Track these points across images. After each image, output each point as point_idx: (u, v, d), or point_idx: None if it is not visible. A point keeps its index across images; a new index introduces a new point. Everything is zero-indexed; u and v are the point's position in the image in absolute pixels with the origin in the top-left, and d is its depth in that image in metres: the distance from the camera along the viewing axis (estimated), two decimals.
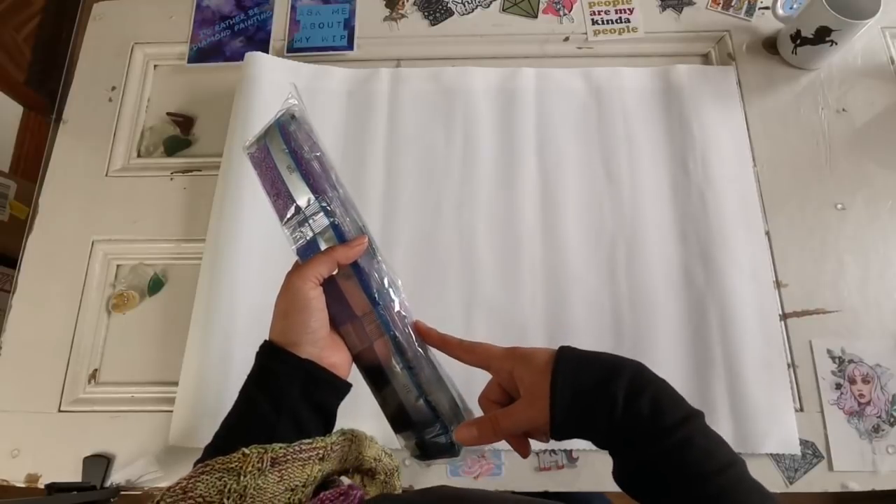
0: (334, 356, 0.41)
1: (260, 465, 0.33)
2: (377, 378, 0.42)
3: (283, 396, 0.38)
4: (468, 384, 0.44)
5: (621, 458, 0.37)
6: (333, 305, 0.41)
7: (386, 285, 0.42)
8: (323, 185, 0.41)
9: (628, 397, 0.35)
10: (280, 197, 0.41)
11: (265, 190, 0.42)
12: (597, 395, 0.36)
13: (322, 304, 0.40)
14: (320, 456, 0.36)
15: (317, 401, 0.39)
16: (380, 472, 0.43)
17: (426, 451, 0.42)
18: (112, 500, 0.58)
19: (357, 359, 0.43)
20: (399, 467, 0.43)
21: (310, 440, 0.36)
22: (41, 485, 0.59)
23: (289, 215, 0.41)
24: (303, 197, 0.41)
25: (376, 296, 0.41)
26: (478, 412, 0.43)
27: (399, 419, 0.42)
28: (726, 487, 0.33)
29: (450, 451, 0.42)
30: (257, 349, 0.40)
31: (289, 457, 0.34)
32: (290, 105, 0.42)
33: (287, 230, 0.42)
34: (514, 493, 0.61)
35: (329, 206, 0.41)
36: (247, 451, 0.33)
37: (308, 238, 0.41)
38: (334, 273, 0.41)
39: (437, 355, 0.44)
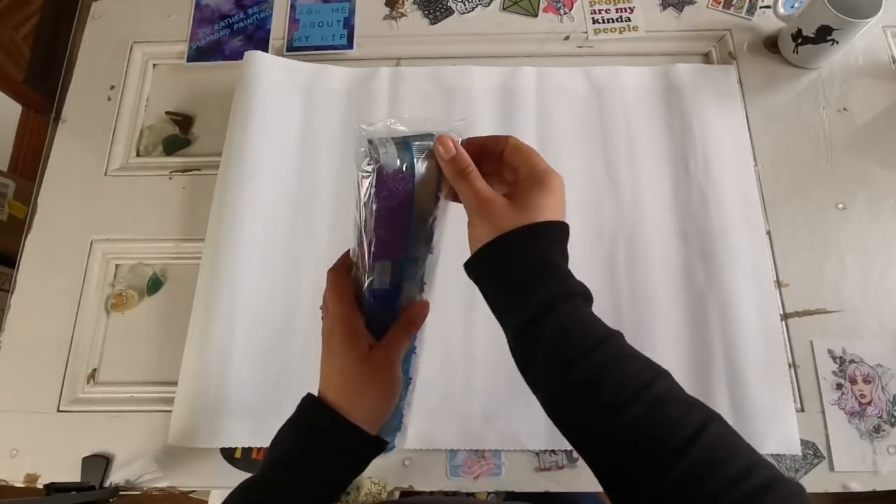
0: None
1: None
2: None
3: (351, 474, 0.40)
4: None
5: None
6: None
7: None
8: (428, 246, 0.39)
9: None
10: (389, 233, 0.36)
11: (372, 212, 0.35)
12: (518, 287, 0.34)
13: None
14: None
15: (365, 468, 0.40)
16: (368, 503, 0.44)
17: None
18: (111, 500, 0.58)
19: None
20: (386, 485, 0.43)
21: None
22: (40, 485, 0.59)
23: (389, 258, 0.37)
24: (417, 249, 0.38)
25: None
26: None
27: None
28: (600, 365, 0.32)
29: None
30: (322, 411, 0.39)
31: None
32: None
33: (375, 268, 0.37)
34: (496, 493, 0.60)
35: (421, 259, 0.39)
36: None
37: (395, 285, 0.39)
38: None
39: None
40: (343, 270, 0.40)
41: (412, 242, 0.37)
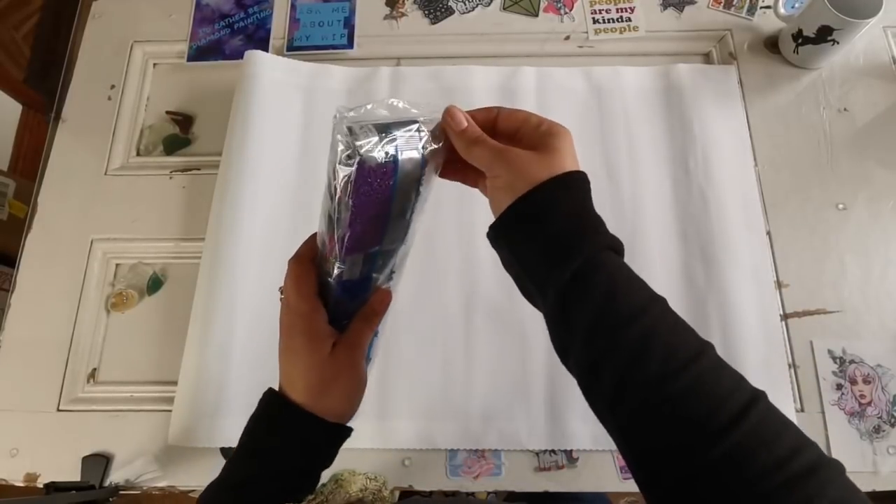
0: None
1: None
2: None
3: (317, 464, 0.39)
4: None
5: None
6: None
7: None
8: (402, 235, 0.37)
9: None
10: (365, 228, 0.33)
11: (349, 206, 0.32)
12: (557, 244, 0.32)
13: None
14: None
15: (334, 457, 0.40)
16: (367, 500, 0.43)
17: None
18: (111, 499, 0.58)
19: None
20: (386, 482, 0.43)
21: (312, 495, 0.37)
22: (40, 484, 0.59)
23: (362, 252, 0.35)
24: (392, 242, 0.36)
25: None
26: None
27: None
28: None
29: None
30: (274, 399, 0.39)
31: None
32: (423, 129, 0.33)
33: (346, 261, 0.35)
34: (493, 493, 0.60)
35: (396, 250, 0.37)
36: None
37: (365, 275, 0.37)
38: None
39: None
40: (305, 260, 0.38)
41: (388, 235, 0.35)
